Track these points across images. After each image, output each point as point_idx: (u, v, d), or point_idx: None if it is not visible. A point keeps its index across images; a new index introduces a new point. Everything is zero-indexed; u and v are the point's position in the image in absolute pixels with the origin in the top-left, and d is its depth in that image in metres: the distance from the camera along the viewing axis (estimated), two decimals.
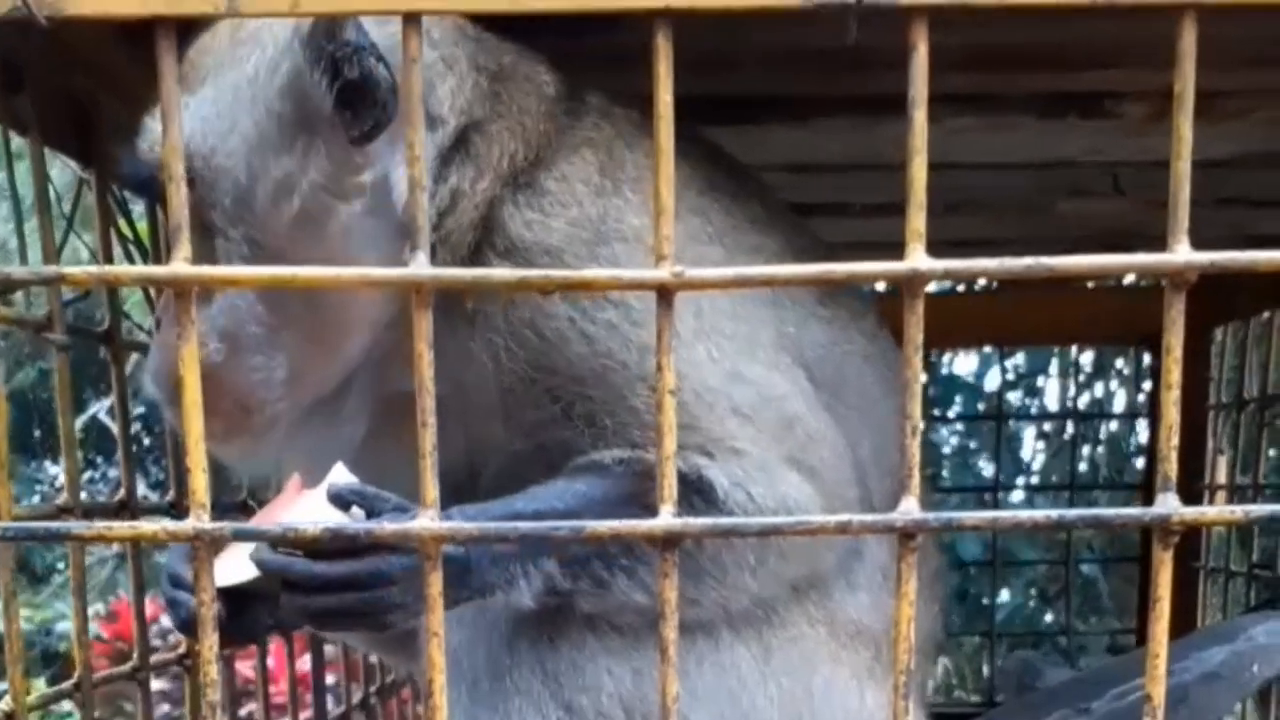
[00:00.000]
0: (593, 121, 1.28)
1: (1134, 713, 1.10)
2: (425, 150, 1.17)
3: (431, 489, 0.78)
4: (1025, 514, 0.81)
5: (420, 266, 0.77)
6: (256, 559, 1.06)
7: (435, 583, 0.79)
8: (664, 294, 0.77)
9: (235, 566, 1.07)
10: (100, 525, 0.84)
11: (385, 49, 1.09)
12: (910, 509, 0.78)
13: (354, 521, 1.04)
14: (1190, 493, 2.24)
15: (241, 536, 0.89)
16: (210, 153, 1.15)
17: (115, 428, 2.01)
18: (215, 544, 0.79)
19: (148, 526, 0.84)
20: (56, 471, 5.14)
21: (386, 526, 0.83)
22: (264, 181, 1.16)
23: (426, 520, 0.78)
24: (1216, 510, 0.95)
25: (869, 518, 0.82)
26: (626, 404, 1.20)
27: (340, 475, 1.09)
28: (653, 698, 1.17)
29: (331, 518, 1.05)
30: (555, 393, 1.21)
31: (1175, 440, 0.79)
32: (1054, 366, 4.78)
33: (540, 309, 1.20)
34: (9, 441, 1.02)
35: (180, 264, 0.77)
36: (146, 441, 4.91)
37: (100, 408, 4.52)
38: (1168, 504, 0.78)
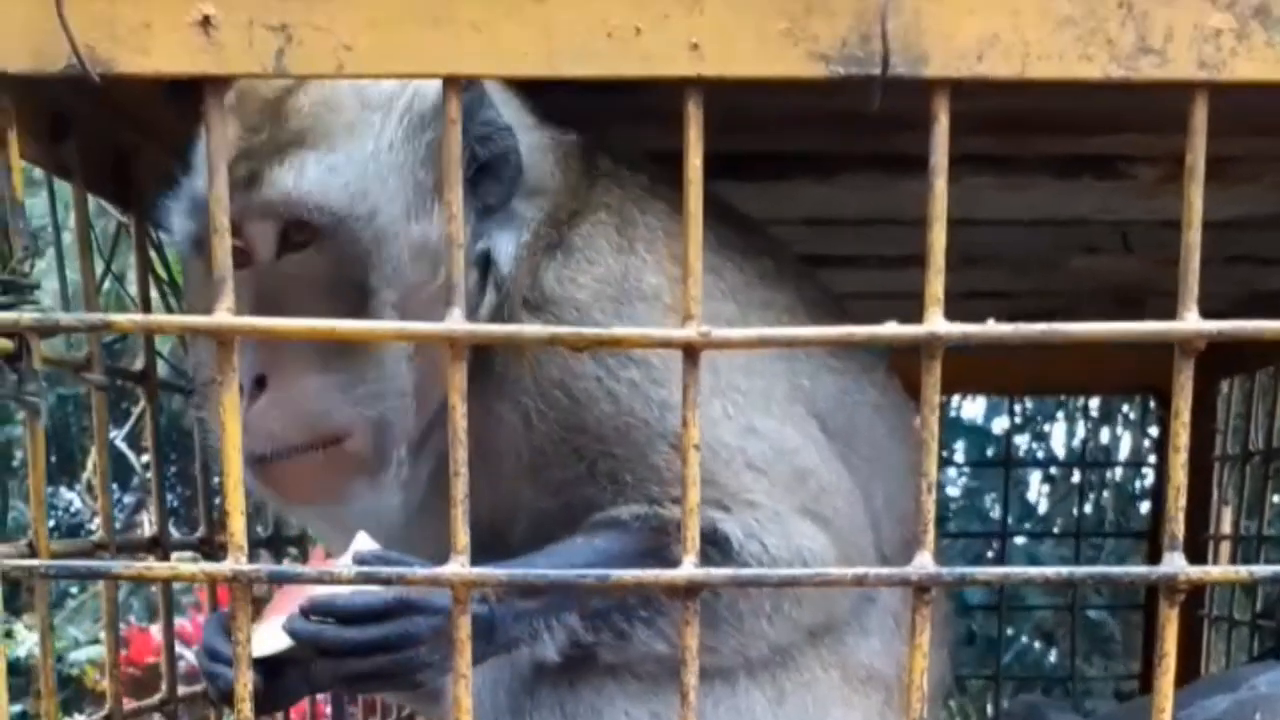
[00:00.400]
0: (605, 185, 1.31)
1: None
2: (532, 220, 1.24)
3: (462, 535, 0.81)
4: (1035, 570, 0.84)
5: (455, 321, 0.80)
6: (289, 628, 1.09)
7: (464, 626, 0.81)
8: (691, 353, 0.79)
9: (269, 636, 1.09)
10: (140, 565, 0.87)
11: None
12: (925, 563, 0.80)
13: (387, 566, 1.06)
14: (1195, 543, 2.24)
15: (278, 578, 0.92)
16: (371, 214, 1.18)
17: (130, 455, 2.03)
18: (252, 584, 0.82)
19: (186, 567, 0.87)
20: (71, 497, 5.17)
21: (418, 571, 0.85)
22: (406, 244, 1.19)
23: (457, 566, 0.80)
24: (1221, 570, 0.97)
25: (885, 571, 0.84)
26: (647, 461, 1.22)
27: (364, 542, 1.13)
28: None
29: (357, 587, 1.07)
30: (582, 451, 1.23)
31: (1183, 501, 0.81)
32: (1060, 411, 4.78)
33: (568, 368, 1.22)
34: (24, 468, 1.04)
35: (223, 314, 0.80)
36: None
37: (115, 435, 4.52)
38: (1174, 563, 0.80)
